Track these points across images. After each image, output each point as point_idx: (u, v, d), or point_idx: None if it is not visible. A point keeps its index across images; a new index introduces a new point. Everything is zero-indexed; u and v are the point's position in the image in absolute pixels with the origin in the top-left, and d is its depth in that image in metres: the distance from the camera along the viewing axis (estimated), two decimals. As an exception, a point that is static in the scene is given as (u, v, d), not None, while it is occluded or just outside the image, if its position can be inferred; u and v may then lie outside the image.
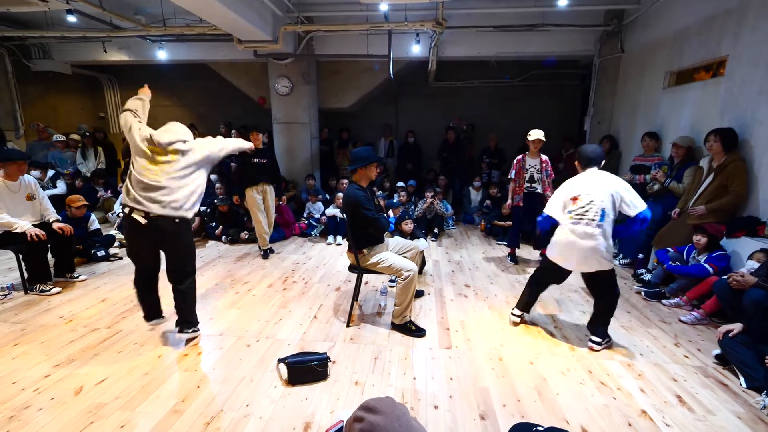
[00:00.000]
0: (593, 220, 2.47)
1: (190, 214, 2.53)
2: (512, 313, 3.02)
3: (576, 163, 2.74)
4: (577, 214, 2.53)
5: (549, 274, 2.85)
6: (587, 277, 2.69)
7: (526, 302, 2.98)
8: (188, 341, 2.68)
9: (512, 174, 4.32)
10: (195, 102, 8.91)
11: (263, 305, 3.29)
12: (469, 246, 5.23)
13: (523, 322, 3.02)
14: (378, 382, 2.27)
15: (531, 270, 4.21)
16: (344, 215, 3.09)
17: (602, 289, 2.65)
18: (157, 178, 2.42)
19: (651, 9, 4.79)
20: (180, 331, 2.64)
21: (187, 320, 2.65)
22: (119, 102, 9.02)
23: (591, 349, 2.63)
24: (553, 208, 2.72)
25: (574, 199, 2.56)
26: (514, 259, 4.53)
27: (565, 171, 5.89)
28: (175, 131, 2.54)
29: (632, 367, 2.45)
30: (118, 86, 8.91)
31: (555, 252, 2.69)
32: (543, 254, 4.40)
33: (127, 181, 2.49)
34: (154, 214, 2.39)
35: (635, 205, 2.43)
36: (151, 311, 2.79)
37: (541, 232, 2.81)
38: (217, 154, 2.66)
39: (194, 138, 2.65)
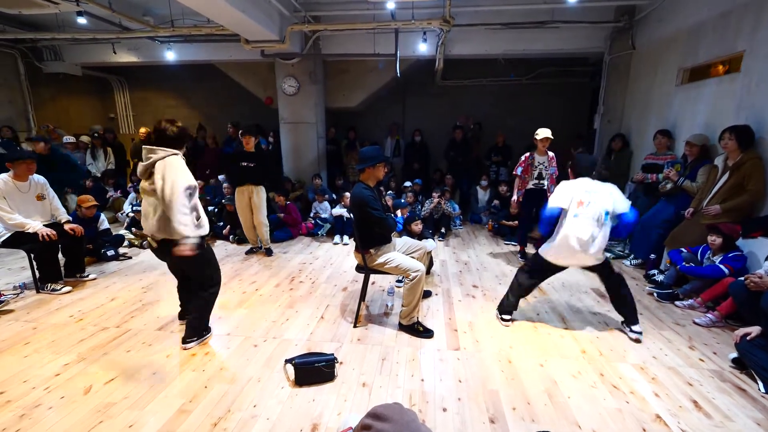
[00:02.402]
0: (598, 221, 2.60)
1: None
2: (502, 319, 3.01)
3: (569, 170, 2.87)
4: (584, 217, 2.61)
5: (540, 274, 2.93)
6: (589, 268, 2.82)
7: (514, 304, 3.00)
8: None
9: (518, 170, 4.31)
10: (202, 102, 8.97)
11: (270, 305, 3.29)
12: (477, 246, 5.19)
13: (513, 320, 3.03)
14: (386, 384, 2.25)
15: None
16: (351, 215, 3.07)
17: (609, 274, 2.78)
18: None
19: (663, 4, 4.69)
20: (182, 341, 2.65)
21: (188, 327, 2.66)
22: (128, 103, 9.13)
23: (636, 340, 2.72)
24: (557, 202, 2.75)
25: (580, 203, 2.65)
26: (525, 256, 4.51)
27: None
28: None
29: (645, 371, 2.40)
30: (128, 87, 9.01)
31: (554, 253, 2.75)
32: (525, 254, 4.53)
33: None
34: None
35: (623, 208, 2.61)
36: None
37: (544, 226, 2.90)
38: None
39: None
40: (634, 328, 2.75)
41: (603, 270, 2.78)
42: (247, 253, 4.74)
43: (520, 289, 2.95)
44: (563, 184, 2.78)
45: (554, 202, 2.73)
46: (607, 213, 2.59)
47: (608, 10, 5.55)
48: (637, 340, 2.71)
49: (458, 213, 6.13)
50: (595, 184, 2.68)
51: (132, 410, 2.02)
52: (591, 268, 2.79)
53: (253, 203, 4.51)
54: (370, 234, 2.79)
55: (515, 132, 7.42)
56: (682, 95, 4.41)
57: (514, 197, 4.43)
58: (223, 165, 5.77)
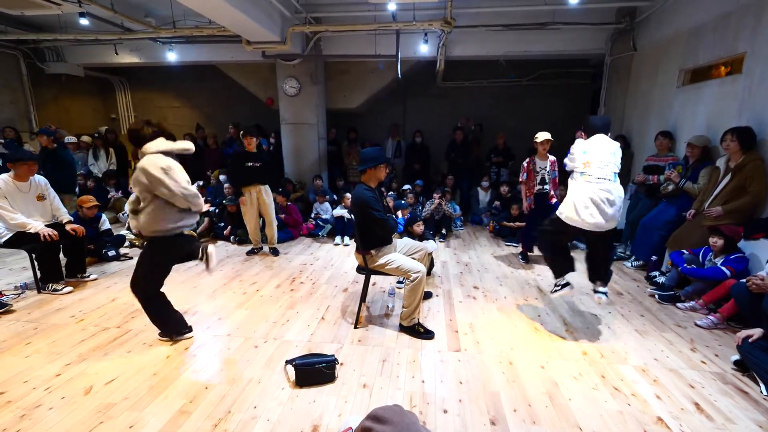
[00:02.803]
0: (610, 180, 2.61)
1: None
2: (556, 285, 2.96)
3: (581, 132, 2.89)
4: (598, 177, 2.62)
5: (559, 237, 2.90)
6: (594, 237, 2.75)
7: (561, 269, 2.96)
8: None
9: (523, 176, 4.31)
10: (204, 103, 8.99)
11: (271, 306, 3.29)
12: (478, 247, 5.18)
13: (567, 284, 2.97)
14: (386, 385, 2.25)
15: (541, 270, 4.19)
16: (352, 216, 3.07)
17: (605, 243, 2.83)
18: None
19: (664, 6, 4.69)
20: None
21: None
22: (130, 103, 9.14)
23: (599, 300, 2.84)
24: (574, 162, 2.78)
25: (586, 164, 2.66)
26: (526, 257, 4.53)
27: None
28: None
29: (647, 373, 2.39)
30: (129, 88, 9.03)
31: (570, 211, 2.65)
32: (526, 255, 4.52)
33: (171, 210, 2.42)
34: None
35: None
36: (183, 321, 2.75)
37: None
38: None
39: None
40: (600, 288, 2.84)
41: (606, 239, 2.77)
42: (248, 253, 4.75)
43: (558, 255, 2.95)
44: (578, 142, 2.78)
45: (572, 161, 2.76)
46: (615, 174, 2.65)
47: (609, 11, 5.55)
48: (600, 301, 2.84)
49: (459, 214, 6.13)
50: (608, 141, 2.71)
51: (132, 411, 2.01)
52: (597, 236, 2.70)
53: (263, 202, 4.54)
54: (371, 235, 2.78)
55: (516, 133, 7.41)
56: (683, 97, 4.40)
57: (525, 204, 4.40)
58: (229, 164, 5.68)
